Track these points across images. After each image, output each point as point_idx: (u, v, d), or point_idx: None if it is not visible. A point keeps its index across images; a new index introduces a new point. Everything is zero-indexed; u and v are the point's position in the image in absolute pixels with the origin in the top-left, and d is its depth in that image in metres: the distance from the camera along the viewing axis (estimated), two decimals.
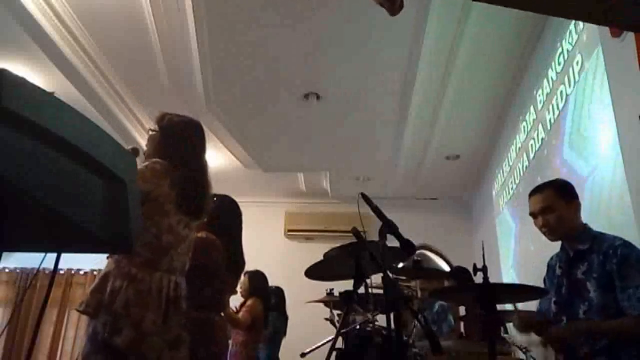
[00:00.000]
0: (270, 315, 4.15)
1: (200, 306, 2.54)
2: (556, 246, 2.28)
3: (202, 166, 2.30)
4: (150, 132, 2.30)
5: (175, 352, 2.03)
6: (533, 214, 2.25)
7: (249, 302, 3.92)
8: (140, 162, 2.07)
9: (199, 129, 2.37)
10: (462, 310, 3.56)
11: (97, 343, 1.86)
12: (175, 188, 2.10)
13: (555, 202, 2.18)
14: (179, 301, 2.07)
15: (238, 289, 3.86)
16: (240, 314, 3.78)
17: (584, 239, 2.13)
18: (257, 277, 4.08)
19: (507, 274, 4.73)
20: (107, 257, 2.06)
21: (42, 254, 1.23)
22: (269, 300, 4.13)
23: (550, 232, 2.20)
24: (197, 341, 2.42)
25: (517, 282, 4.15)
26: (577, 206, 2.21)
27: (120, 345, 1.85)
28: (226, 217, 2.84)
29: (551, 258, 2.37)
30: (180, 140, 2.24)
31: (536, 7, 0.94)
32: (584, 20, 0.85)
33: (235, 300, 4.02)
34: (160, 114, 2.33)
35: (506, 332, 3.06)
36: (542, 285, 2.39)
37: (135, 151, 2.06)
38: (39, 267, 1.30)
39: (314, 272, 2.40)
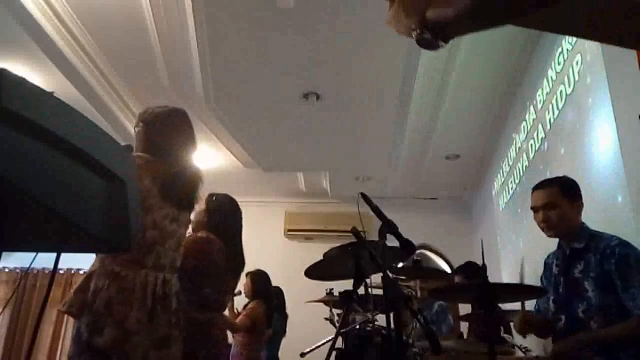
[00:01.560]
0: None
1: (200, 306, 2.54)
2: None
3: (187, 153, 2.23)
4: (136, 129, 2.25)
5: (166, 350, 1.97)
6: (535, 209, 2.24)
7: (250, 306, 3.92)
8: None
9: (181, 115, 2.29)
10: (462, 310, 3.56)
11: (81, 344, 1.83)
12: (157, 182, 2.04)
13: (559, 200, 2.17)
14: (169, 299, 2.02)
15: (242, 289, 3.87)
16: (239, 319, 3.77)
17: (581, 238, 2.14)
18: (260, 278, 4.07)
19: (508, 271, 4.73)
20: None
21: (43, 254, 1.23)
22: (272, 300, 4.12)
23: (550, 228, 2.20)
24: (196, 341, 2.41)
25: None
26: (580, 207, 2.20)
27: (101, 345, 1.80)
28: (226, 217, 2.83)
29: (548, 256, 2.36)
30: (162, 130, 2.18)
31: (566, 30, 0.91)
32: (616, 44, 0.82)
33: (239, 301, 4.03)
34: (143, 109, 2.29)
35: (507, 332, 3.06)
36: (539, 284, 2.39)
37: (129, 148, 2.04)
38: (29, 267, 1.30)
39: (314, 272, 2.41)
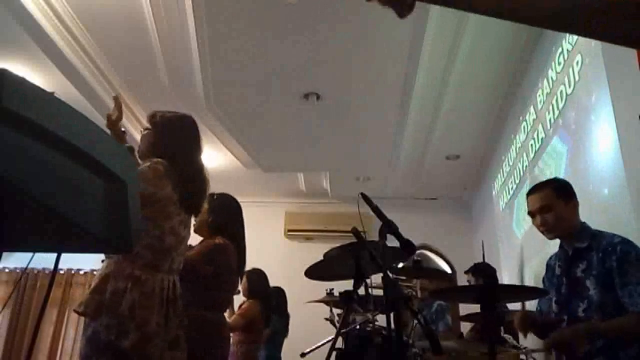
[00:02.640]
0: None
1: (208, 306, 2.56)
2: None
3: (198, 161, 2.28)
4: (143, 131, 2.27)
5: (175, 352, 2.03)
6: (531, 213, 2.25)
7: (244, 305, 3.90)
8: None
9: (192, 122, 2.32)
10: (464, 310, 3.57)
11: (99, 345, 1.84)
12: (177, 189, 2.09)
13: (553, 202, 2.18)
14: (177, 301, 2.07)
15: (239, 288, 3.87)
16: (232, 318, 3.76)
17: (583, 237, 2.14)
18: (256, 277, 4.05)
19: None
20: (103, 260, 2.04)
21: (43, 254, 1.23)
22: (270, 300, 4.11)
23: (549, 231, 2.21)
24: (198, 340, 2.42)
25: None
26: (575, 205, 2.21)
27: (126, 348, 1.83)
28: (229, 217, 2.84)
29: (550, 257, 2.37)
30: (175, 136, 2.20)
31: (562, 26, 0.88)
32: (617, 43, 0.80)
33: (237, 301, 4.03)
34: (151, 112, 2.31)
35: (507, 332, 3.06)
36: (542, 285, 2.39)
37: (130, 150, 2.05)
38: (26, 266, 1.30)
39: (314, 272, 2.40)
